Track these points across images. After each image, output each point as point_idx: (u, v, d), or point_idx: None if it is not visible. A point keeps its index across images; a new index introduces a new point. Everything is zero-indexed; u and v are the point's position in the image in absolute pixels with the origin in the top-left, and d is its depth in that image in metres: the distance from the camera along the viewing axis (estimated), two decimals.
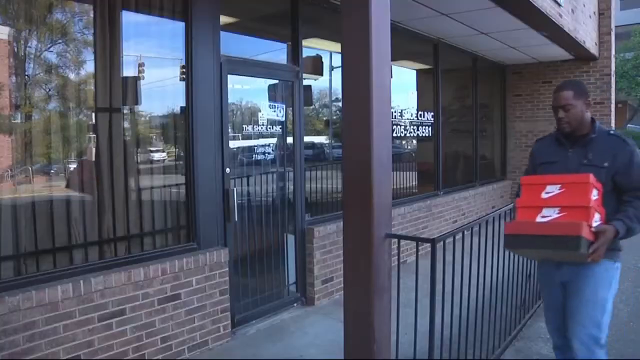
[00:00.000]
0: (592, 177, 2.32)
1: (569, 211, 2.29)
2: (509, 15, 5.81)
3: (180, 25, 3.70)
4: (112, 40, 3.31)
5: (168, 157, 3.93)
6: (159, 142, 3.94)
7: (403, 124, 6.71)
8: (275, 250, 4.54)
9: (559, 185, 2.35)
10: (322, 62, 5.24)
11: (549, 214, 2.33)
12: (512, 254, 3.75)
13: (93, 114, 3.35)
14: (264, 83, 4.56)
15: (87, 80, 3.31)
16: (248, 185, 4.36)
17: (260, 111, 4.44)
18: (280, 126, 4.59)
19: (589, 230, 2.24)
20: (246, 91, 4.43)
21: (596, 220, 2.32)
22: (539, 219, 2.35)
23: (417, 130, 7.03)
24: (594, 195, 2.31)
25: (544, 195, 2.37)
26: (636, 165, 2.48)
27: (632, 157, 2.49)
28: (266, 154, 4.50)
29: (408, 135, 6.98)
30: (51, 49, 3.18)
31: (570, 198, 2.31)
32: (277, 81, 4.61)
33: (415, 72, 7.50)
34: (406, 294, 3.09)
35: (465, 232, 3.00)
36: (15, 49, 3.02)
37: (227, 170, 3.95)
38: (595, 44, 8.82)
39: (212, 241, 3.80)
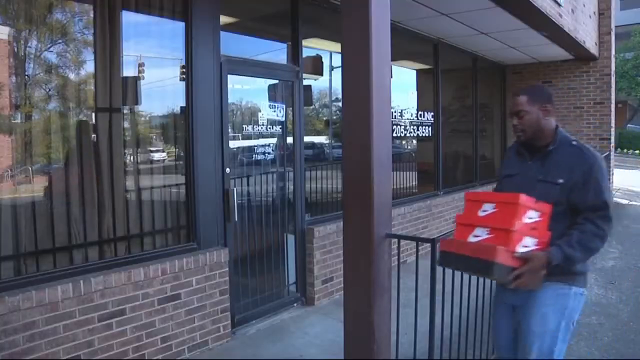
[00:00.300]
0: (523, 198, 2.09)
1: (497, 233, 2.12)
2: (509, 15, 5.81)
3: (180, 25, 3.70)
4: (112, 40, 3.31)
5: (168, 157, 3.93)
6: (159, 142, 3.94)
7: (403, 124, 6.71)
8: (275, 250, 4.54)
9: (494, 204, 2.18)
10: (322, 62, 5.24)
11: (479, 234, 2.17)
12: None
13: (93, 114, 3.35)
14: (264, 83, 4.56)
15: (87, 80, 3.31)
16: (248, 185, 4.36)
17: (260, 111, 4.44)
18: (280, 126, 4.59)
19: (507, 256, 2.05)
20: (246, 91, 4.43)
21: (527, 244, 2.11)
22: (470, 238, 2.19)
23: (417, 130, 7.03)
24: (530, 217, 2.11)
25: (480, 214, 2.20)
26: (594, 181, 2.17)
27: (591, 171, 2.18)
28: (266, 154, 4.50)
29: (408, 135, 6.98)
30: (51, 49, 3.18)
31: (499, 219, 2.13)
32: (277, 81, 4.61)
33: (415, 72, 7.50)
34: (406, 294, 3.09)
35: None
36: (15, 49, 3.02)
37: (227, 170, 3.95)
38: (595, 44, 8.82)
39: (212, 241, 3.80)
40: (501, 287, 2.39)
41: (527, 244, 2.11)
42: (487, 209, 2.19)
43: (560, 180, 2.20)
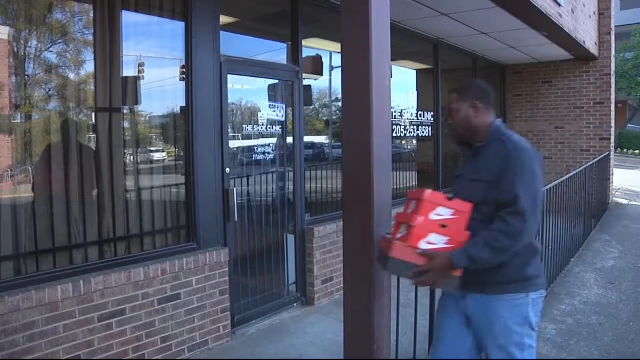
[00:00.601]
0: (427, 194, 2.08)
1: (408, 229, 2.10)
2: (509, 15, 5.81)
3: (180, 25, 3.70)
4: (112, 40, 3.32)
5: (168, 157, 3.93)
6: (159, 142, 3.95)
7: (403, 124, 6.71)
8: (275, 250, 4.54)
9: (415, 201, 2.16)
10: (322, 62, 5.24)
11: (402, 231, 2.16)
12: None
13: (93, 114, 3.36)
14: (264, 83, 4.56)
15: (87, 80, 3.31)
16: (248, 185, 4.36)
17: (260, 111, 4.45)
18: (280, 126, 4.59)
19: (405, 251, 2.04)
20: (246, 91, 4.44)
21: (433, 242, 2.05)
22: (397, 235, 2.17)
23: (417, 130, 7.03)
24: (440, 214, 2.06)
25: (408, 211, 2.20)
26: (509, 175, 2.02)
27: (507, 165, 2.04)
28: (266, 154, 4.50)
29: (408, 135, 6.98)
30: (51, 49, 3.18)
31: (410, 215, 2.12)
32: (277, 81, 4.61)
33: (415, 72, 7.50)
34: (406, 294, 3.09)
35: None
36: (15, 49, 3.02)
37: (227, 170, 3.96)
38: (595, 44, 8.82)
39: (212, 241, 3.80)
40: (459, 295, 2.23)
41: (433, 241, 2.05)
42: (411, 206, 2.18)
43: (484, 178, 2.10)
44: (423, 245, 2.05)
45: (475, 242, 2.02)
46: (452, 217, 2.06)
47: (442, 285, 2.10)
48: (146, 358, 3.31)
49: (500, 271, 2.06)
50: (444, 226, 2.06)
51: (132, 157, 3.62)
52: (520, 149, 2.08)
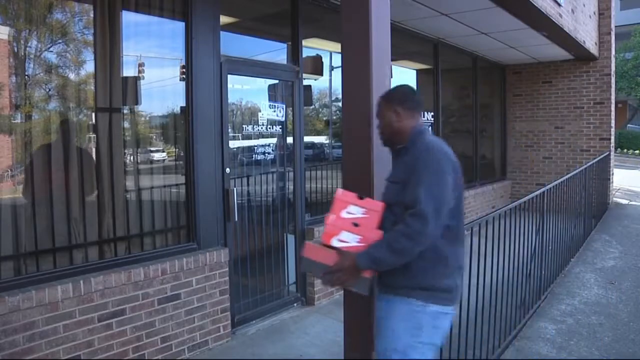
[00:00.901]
0: (339, 192, 2.14)
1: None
2: (509, 15, 5.82)
3: (180, 25, 3.70)
4: (112, 40, 3.32)
5: (168, 157, 3.93)
6: (159, 142, 3.94)
7: None
8: (275, 250, 4.54)
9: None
10: (322, 62, 5.24)
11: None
12: (512, 254, 3.75)
13: (93, 114, 3.36)
14: (264, 83, 4.56)
15: (87, 80, 3.31)
16: (248, 185, 4.36)
17: (260, 111, 4.45)
18: (280, 126, 4.59)
19: (316, 252, 2.08)
20: (246, 91, 4.44)
21: (345, 240, 2.06)
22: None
23: None
24: (351, 212, 2.08)
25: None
26: (416, 176, 1.99)
27: (416, 165, 2.02)
28: (266, 154, 4.50)
29: None
30: (51, 49, 3.18)
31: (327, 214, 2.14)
32: (277, 81, 4.61)
33: (415, 72, 7.51)
34: None
35: (465, 232, 3.00)
36: (15, 49, 3.02)
37: (227, 170, 3.96)
38: (595, 44, 8.82)
39: (212, 241, 3.80)
40: (377, 296, 2.23)
41: (345, 239, 2.06)
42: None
43: (398, 179, 2.12)
44: (335, 242, 2.06)
45: (377, 243, 2.00)
46: (363, 215, 2.08)
47: (352, 285, 2.08)
48: (146, 358, 3.31)
49: (405, 275, 2.04)
50: (355, 224, 2.07)
51: (132, 157, 3.61)
52: (429, 151, 2.06)
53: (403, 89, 2.33)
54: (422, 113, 2.21)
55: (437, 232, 1.97)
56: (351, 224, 2.07)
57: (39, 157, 3.09)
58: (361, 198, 2.10)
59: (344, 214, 2.09)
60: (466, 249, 2.97)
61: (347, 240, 2.06)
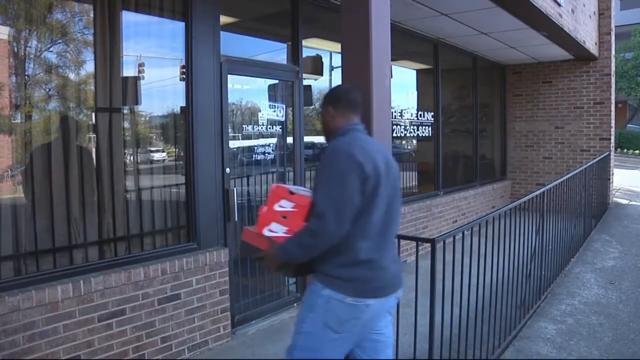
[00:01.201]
0: (273, 187, 2.31)
1: None
2: (509, 15, 5.82)
3: (180, 25, 3.70)
4: (112, 40, 3.32)
5: (168, 157, 3.93)
6: (159, 142, 3.94)
7: (403, 124, 6.71)
8: None
9: None
10: (322, 62, 5.24)
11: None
12: (512, 254, 3.75)
13: (93, 114, 3.36)
14: (264, 83, 4.56)
15: (87, 80, 3.31)
16: (248, 185, 4.36)
17: (260, 111, 4.45)
18: (280, 126, 4.59)
19: (253, 237, 2.28)
20: (246, 91, 4.44)
21: (274, 230, 2.24)
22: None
23: (417, 130, 7.03)
24: (282, 206, 2.24)
25: None
26: (319, 175, 2.10)
27: (321, 165, 2.12)
28: (266, 154, 4.50)
29: (408, 135, 6.98)
30: (51, 49, 3.18)
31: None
32: (277, 81, 4.61)
33: (415, 72, 7.51)
34: (406, 294, 3.08)
35: (465, 232, 3.00)
36: (15, 49, 3.02)
37: (227, 170, 3.95)
38: (595, 44, 8.83)
39: (212, 241, 3.80)
40: None
41: (274, 230, 2.24)
42: None
43: (316, 177, 2.22)
44: (266, 232, 2.25)
45: (290, 238, 2.16)
46: (292, 209, 2.23)
47: (278, 271, 2.33)
48: (146, 358, 3.31)
49: (317, 261, 2.18)
50: (284, 217, 2.23)
51: (132, 157, 3.61)
52: (334, 152, 2.14)
53: (338, 88, 2.47)
54: (360, 113, 2.36)
55: (341, 231, 2.05)
56: (280, 216, 2.24)
57: (39, 157, 3.09)
58: (292, 193, 2.25)
59: (275, 207, 2.26)
60: (466, 249, 2.99)
61: (276, 230, 2.24)
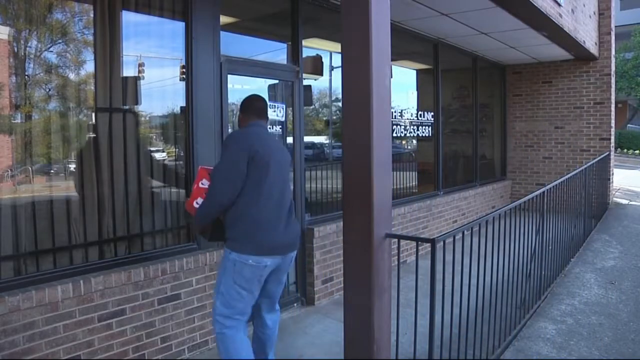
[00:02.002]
0: (199, 168, 2.98)
1: None
2: (509, 15, 5.82)
3: (180, 25, 3.70)
4: (112, 40, 3.31)
5: (168, 157, 3.93)
6: (159, 142, 3.94)
7: (403, 124, 6.71)
8: None
9: None
10: (322, 62, 5.24)
11: None
12: (512, 254, 3.75)
13: (93, 114, 3.35)
14: (264, 83, 4.56)
15: (87, 80, 3.31)
16: None
17: None
18: (280, 126, 4.59)
19: (191, 208, 2.90)
20: (246, 91, 4.42)
21: (199, 203, 2.83)
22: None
23: (417, 130, 7.03)
24: (203, 184, 2.86)
25: None
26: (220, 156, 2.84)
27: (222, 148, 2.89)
28: None
29: (408, 135, 6.98)
30: (51, 49, 3.18)
31: None
32: (277, 81, 4.60)
33: (415, 72, 7.50)
34: (406, 294, 3.09)
35: (465, 232, 3.00)
36: (15, 49, 3.02)
37: None
38: (595, 44, 8.83)
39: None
40: None
41: (199, 202, 2.83)
42: None
43: None
44: (195, 204, 2.86)
45: (198, 206, 2.82)
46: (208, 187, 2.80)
47: (201, 234, 3.01)
48: (146, 358, 3.31)
49: (227, 229, 2.76)
50: (205, 193, 2.80)
51: (132, 157, 3.61)
52: (229, 137, 2.96)
53: (246, 99, 3.04)
54: (263, 117, 3.00)
55: (228, 195, 2.66)
56: (203, 192, 2.82)
57: (39, 157, 3.09)
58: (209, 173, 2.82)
59: (200, 184, 2.88)
60: (466, 249, 2.99)
61: (200, 203, 2.84)
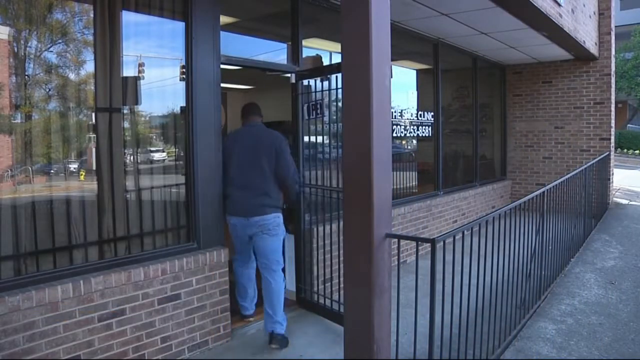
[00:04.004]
0: None
1: None
2: (509, 15, 5.82)
3: (180, 25, 3.70)
4: (112, 40, 3.31)
5: (168, 157, 3.93)
6: (159, 142, 3.94)
7: (403, 124, 6.71)
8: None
9: None
10: (322, 62, 5.23)
11: None
12: (512, 254, 3.75)
13: (93, 114, 3.35)
14: None
15: (87, 80, 3.31)
16: None
17: None
18: None
19: None
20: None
21: None
22: None
23: (417, 130, 7.03)
24: None
25: None
26: None
27: None
28: None
29: (408, 135, 6.98)
30: (51, 49, 3.18)
31: None
32: None
33: (415, 72, 7.50)
34: (406, 294, 3.09)
35: (465, 232, 3.00)
36: (15, 49, 3.02)
37: None
38: (595, 44, 8.83)
39: (212, 241, 3.80)
40: None
41: None
42: None
43: None
44: None
45: None
46: None
47: None
48: (146, 358, 3.31)
49: None
50: None
51: (132, 157, 3.61)
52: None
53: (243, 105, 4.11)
54: (251, 117, 4.00)
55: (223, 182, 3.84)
56: None
57: (39, 157, 3.09)
58: None
59: None
60: (466, 249, 2.99)
61: None
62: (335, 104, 4.09)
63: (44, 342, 2.80)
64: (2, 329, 2.63)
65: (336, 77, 3.99)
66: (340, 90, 3.73)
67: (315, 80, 4.30)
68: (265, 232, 3.79)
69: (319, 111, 4.26)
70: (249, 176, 3.78)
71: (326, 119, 4.33)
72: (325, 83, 4.18)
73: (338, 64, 3.76)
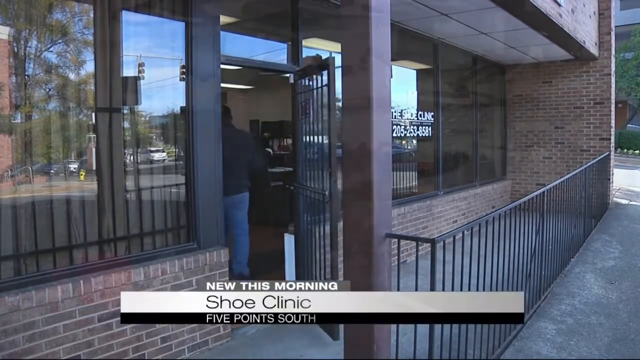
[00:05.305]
0: None
1: None
2: (509, 15, 5.81)
3: (180, 25, 3.70)
4: (112, 40, 3.31)
5: (168, 157, 3.93)
6: (159, 142, 3.94)
7: (403, 123, 6.70)
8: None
9: None
10: None
11: None
12: (512, 254, 3.75)
13: (93, 114, 3.35)
14: None
15: (87, 80, 3.31)
16: None
17: None
18: None
19: None
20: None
21: None
22: None
23: (417, 130, 7.02)
24: None
25: None
26: None
27: None
28: None
29: (408, 135, 6.97)
30: (51, 49, 3.18)
31: None
32: None
33: (415, 72, 7.50)
34: None
35: (465, 232, 3.00)
36: (15, 49, 3.02)
37: None
38: (595, 44, 8.82)
39: (212, 241, 3.80)
40: None
41: None
42: None
43: None
44: None
45: None
46: None
47: None
48: (146, 358, 3.31)
49: None
50: None
51: (132, 157, 3.61)
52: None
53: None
54: (227, 117, 4.38)
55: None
56: None
57: (39, 157, 3.09)
58: None
59: None
60: (466, 249, 2.99)
61: None
62: (319, 103, 3.97)
63: (44, 342, 2.80)
64: (2, 329, 2.63)
65: (320, 76, 3.88)
66: (324, 89, 3.74)
67: (302, 80, 4.29)
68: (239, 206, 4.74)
69: (307, 111, 4.23)
70: (236, 168, 4.61)
71: (311, 119, 4.24)
72: (313, 83, 4.11)
73: (323, 62, 3.76)
